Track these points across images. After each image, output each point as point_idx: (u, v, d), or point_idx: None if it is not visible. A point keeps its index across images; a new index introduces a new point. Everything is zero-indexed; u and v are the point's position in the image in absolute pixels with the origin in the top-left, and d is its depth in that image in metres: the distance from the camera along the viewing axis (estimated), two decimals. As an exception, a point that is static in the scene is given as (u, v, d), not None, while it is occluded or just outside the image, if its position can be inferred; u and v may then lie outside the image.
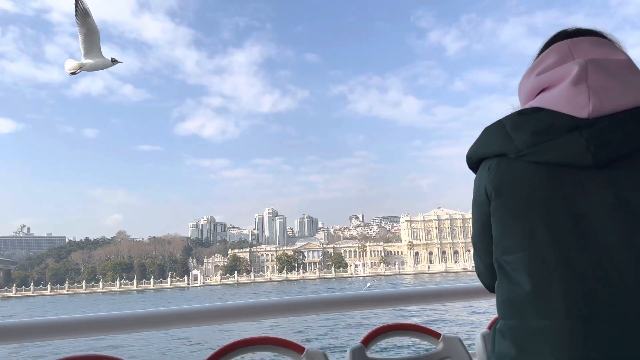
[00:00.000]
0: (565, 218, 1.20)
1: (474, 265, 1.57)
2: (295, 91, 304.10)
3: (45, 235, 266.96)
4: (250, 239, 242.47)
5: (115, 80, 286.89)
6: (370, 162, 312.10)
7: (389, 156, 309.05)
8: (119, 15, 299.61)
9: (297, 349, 2.14)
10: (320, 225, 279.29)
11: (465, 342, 2.41)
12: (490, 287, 1.50)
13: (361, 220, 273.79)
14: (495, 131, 1.36)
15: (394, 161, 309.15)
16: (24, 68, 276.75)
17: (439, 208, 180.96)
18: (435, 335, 2.40)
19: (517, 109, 1.39)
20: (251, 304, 2.41)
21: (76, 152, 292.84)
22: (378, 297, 2.69)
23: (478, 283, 2.72)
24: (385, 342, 2.40)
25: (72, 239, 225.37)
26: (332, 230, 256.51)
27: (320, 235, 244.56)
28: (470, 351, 2.39)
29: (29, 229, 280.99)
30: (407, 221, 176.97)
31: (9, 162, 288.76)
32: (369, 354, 2.27)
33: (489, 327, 2.40)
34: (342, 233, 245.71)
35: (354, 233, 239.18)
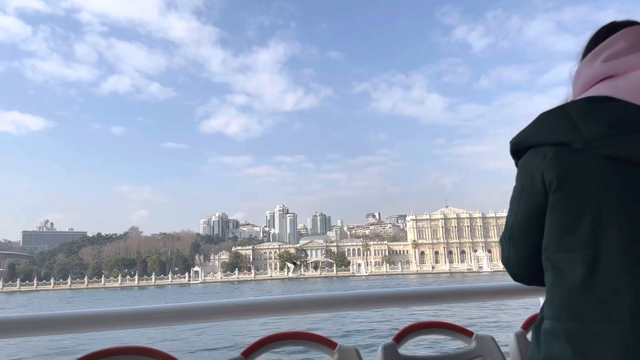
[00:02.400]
0: (636, 219, 1.12)
1: (500, 253, 1.46)
2: (318, 89, 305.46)
3: (67, 230, 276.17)
4: (261, 236, 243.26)
5: (143, 79, 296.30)
6: (393, 161, 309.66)
7: (411, 154, 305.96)
8: (146, 14, 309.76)
9: (330, 344, 2.14)
10: (336, 223, 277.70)
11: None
12: (518, 277, 1.41)
13: (377, 218, 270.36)
14: (557, 118, 1.24)
15: (416, 159, 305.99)
16: (54, 67, 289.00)
17: (446, 207, 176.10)
18: (468, 333, 2.37)
19: (571, 98, 1.28)
20: (262, 301, 2.37)
21: (104, 149, 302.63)
22: (396, 295, 2.62)
23: (486, 284, 2.67)
24: (417, 340, 2.36)
25: (92, 234, 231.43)
26: (345, 228, 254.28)
27: (332, 233, 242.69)
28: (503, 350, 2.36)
29: (52, 224, 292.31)
30: (412, 220, 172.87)
31: (39, 159, 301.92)
32: (401, 350, 2.22)
33: (523, 327, 2.37)
34: (352, 231, 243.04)
35: (367, 231, 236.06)
